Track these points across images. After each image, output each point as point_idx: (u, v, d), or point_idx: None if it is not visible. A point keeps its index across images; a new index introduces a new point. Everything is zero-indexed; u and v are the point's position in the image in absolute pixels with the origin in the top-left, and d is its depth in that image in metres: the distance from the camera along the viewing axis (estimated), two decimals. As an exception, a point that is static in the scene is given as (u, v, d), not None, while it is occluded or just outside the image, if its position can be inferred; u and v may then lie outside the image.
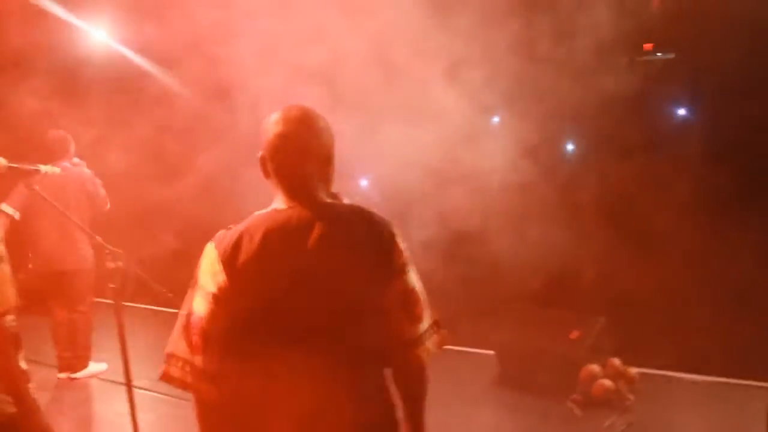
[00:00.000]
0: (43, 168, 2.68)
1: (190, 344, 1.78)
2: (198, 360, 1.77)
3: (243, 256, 1.74)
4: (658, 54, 9.23)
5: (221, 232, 1.82)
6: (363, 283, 1.79)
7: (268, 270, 1.74)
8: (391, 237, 1.84)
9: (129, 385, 3.18)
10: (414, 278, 1.87)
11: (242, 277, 1.73)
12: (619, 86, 4.90)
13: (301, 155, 1.82)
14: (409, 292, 1.86)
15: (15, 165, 2.56)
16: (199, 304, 1.77)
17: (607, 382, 4.67)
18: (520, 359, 5.11)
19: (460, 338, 5.70)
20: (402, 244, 1.86)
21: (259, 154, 1.86)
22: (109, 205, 5.49)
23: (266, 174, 1.88)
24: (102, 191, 5.45)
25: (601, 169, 5.59)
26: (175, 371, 1.80)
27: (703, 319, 5.07)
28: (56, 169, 2.75)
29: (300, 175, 1.83)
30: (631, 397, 4.65)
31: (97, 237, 2.88)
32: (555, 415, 4.60)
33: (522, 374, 5.03)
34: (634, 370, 4.85)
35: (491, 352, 5.40)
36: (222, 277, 1.74)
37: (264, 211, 1.83)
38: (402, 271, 1.84)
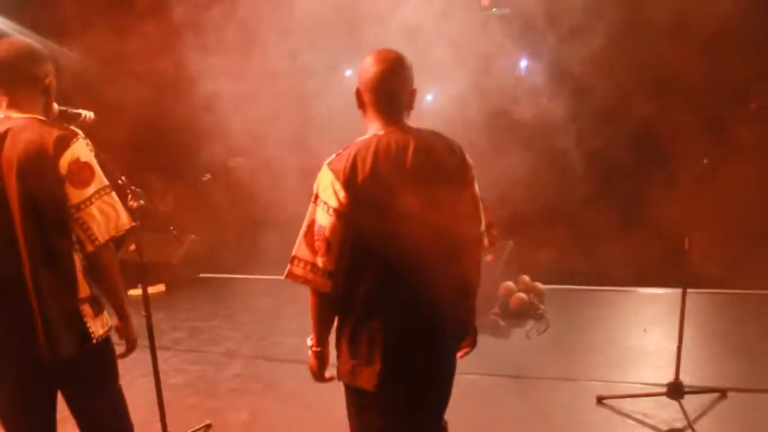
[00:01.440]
0: (83, 112, 2.80)
1: (311, 248, 2.19)
2: (319, 261, 2.19)
3: (360, 175, 2.14)
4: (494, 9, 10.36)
5: (333, 156, 2.21)
6: (448, 192, 2.26)
7: (380, 186, 2.15)
8: (462, 153, 2.33)
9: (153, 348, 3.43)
10: (477, 187, 2.36)
11: (360, 193, 2.14)
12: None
13: (397, 89, 2.25)
14: (476, 198, 2.37)
15: (65, 109, 2.70)
16: (321, 216, 2.17)
17: (522, 295, 5.38)
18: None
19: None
20: (469, 160, 2.33)
21: (356, 88, 2.28)
22: None
23: (361, 105, 2.31)
24: None
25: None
26: (297, 270, 2.24)
27: (594, 238, 5.91)
28: (91, 114, 2.85)
29: (395, 105, 2.26)
30: (542, 307, 5.38)
31: (121, 177, 3.00)
32: (481, 328, 5.20)
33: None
34: (541, 285, 5.60)
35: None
36: (342, 194, 2.14)
37: (365, 136, 2.24)
38: (472, 180, 2.34)
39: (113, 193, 2.44)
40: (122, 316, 2.60)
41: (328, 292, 2.22)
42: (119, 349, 2.64)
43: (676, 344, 3.67)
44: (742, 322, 5.08)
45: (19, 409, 2.52)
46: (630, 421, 3.71)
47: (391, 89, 2.25)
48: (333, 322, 2.36)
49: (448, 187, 2.27)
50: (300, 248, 2.24)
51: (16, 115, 2.38)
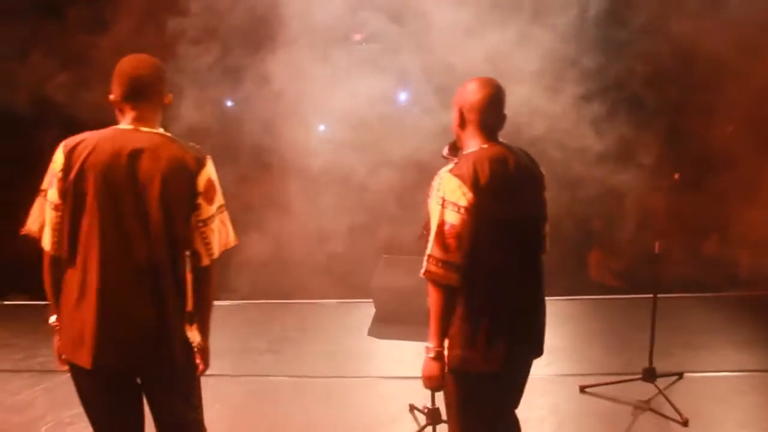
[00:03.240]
0: None
1: (442, 247, 2.51)
2: (449, 257, 2.50)
3: (482, 179, 2.51)
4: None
5: (451, 166, 2.58)
6: (539, 195, 2.73)
7: (498, 188, 2.53)
8: (537, 163, 2.78)
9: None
10: None
11: (484, 194, 2.50)
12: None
13: (499, 112, 2.68)
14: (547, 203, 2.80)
15: None
16: (450, 216, 2.51)
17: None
18: (398, 301, 6.02)
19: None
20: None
21: (457, 108, 2.68)
22: None
23: (461, 123, 2.68)
24: None
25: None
26: (432, 267, 2.54)
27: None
28: None
29: (495, 125, 2.68)
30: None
31: None
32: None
33: (399, 314, 5.96)
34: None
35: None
36: (470, 195, 2.49)
37: (472, 149, 2.63)
38: (545, 187, 2.78)
39: (226, 211, 2.63)
40: (207, 334, 2.69)
41: (455, 285, 2.52)
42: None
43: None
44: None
45: (115, 408, 2.61)
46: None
47: (494, 112, 2.67)
48: (453, 317, 2.59)
49: (538, 192, 2.72)
50: (433, 248, 2.54)
51: (144, 129, 2.52)
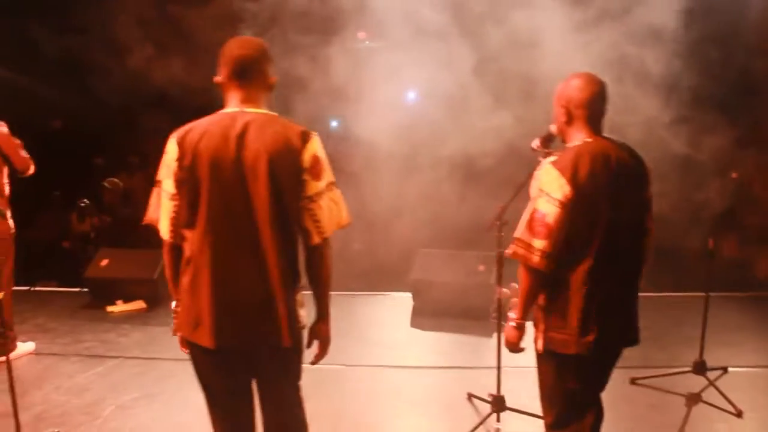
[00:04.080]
0: None
1: (531, 232, 2.64)
2: (536, 243, 2.63)
3: (581, 173, 2.61)
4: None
5: (554, 158, 2.68)
6: (640, 190, 2.82)
7: (596, 182, 2.63)
8: (642, 158, 2.86)
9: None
10: None
11: (581, 188, 2.60)
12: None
13: (603, 107, 2.78)
14: (652, 198, 2.89)
15: None
16: (543, 206, 2.62)
17: (517, 300, 5.95)
18: (437, 294, 6.14)
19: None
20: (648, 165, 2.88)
21: (563, 104, 2.77)
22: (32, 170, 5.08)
23: (568, 117, 2.78)
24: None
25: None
26: (519, 250, 2.68)
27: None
28: None
29: (600, 120, 2.78)
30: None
31: None
32: (486, 330, 5.76)
33: (438, 306, 6.09)
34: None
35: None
36: (567, 188, 2.59)
37: (576, 143, 2.73)
38: (651, 182, 2.87)
39: (338, 189, 2.62)
40: (325, 315, 2.70)
41: (542, 270, 2.64)
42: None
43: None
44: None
45: (231, 388, 2.67)
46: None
47: (600, 107, 2.77)
48: (538, 298, 2.76)
49: (640, 186, 2.82)
50: (522, 232, 2.67)
51: (250, 109, 2.54)
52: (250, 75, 2.56)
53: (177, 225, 2.54)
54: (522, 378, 3.81)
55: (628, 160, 2.76)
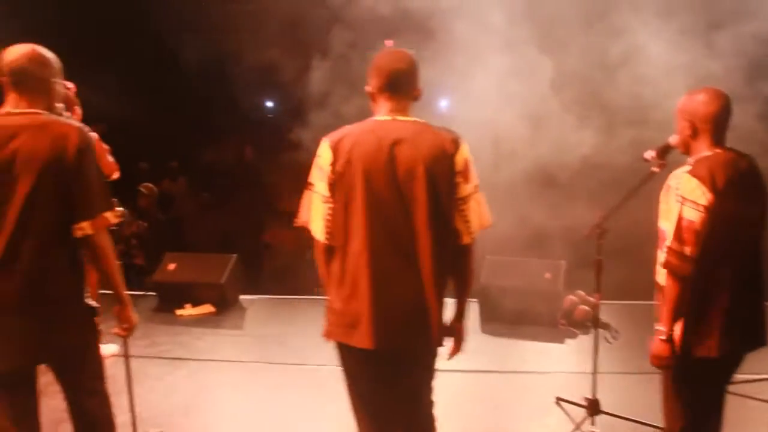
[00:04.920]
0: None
1: (680, 240, 2.71)
2: (685, 249, 2.72)
3: (719, 181, 2.69)
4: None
5: (689, 168, 2.75)
6: (763, 203, 2.85)
7: (732, 190, 2.70)
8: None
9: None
10: None
11: (721, 195, 2.68)
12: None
13: (727, 121, 2.83)
14: None
15: None
16: (689, 213, 2.70)
17: (585, 307, 6.04)
18: (505, 300, 6.21)
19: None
20: None
21: (687, 118, 2.83)
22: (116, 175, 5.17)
23: (692, 131, 2.83)
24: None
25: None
26: (671, 259, 2.75)
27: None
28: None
29: (723, 133, 2.84)
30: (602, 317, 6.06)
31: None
32: (556, 336, 5.82)
33: (507, 313, 6.16)
34: (592, 299, 6.27)
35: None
36: (709, 195, 2.67)
37: (707, 153, 2.80)
38: None
39: (482, 193, 2.71)
40: (462, 314, 2.82)
41: (689, 276, 2.72)
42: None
43: None
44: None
45: (381, 388, 2.75)
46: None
47: (725, 121, 2.84)
48: (685, 306, 2.78)
49: (763, 194, 2.90)
50: (672, 241, 2.73)
51: (401, 118, 2.66)
52: (401, 87, 2.68)
53: (332, 227, 2.63)
54: (605, 382, 3.92)
55: (753, 170, 2.85)
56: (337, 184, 2.58)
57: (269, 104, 14.67)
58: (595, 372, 4.14)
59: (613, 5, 5.49)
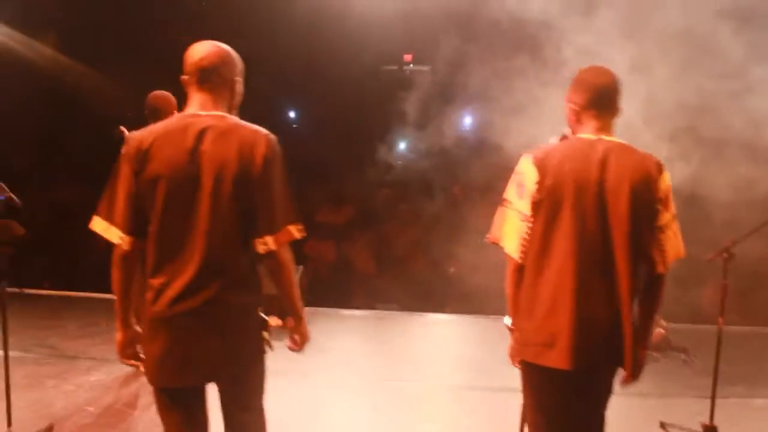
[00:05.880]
0: None
1: None
2: None
3: None
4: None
5: None
6: None
7: None
8: None
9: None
10: None
11: None
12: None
13: None
14: None
15: None
16: None
17: (662, 330, 6.05)
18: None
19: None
20: None
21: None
22: None
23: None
24: None
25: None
26: None
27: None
28: None
29: None
30: (673, 341, 6.10)
31: None
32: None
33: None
34: (664, 323, 6.31)
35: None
36: None
37: None
38: None
39: (677, 222, 2.65)
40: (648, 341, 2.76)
41: None
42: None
43: None
44: None
45: (568, 408, 2.72)
46: None
47: None
48: None
49: None
50: None
51: (606, 137, 2.63)
52: (609, 104, 2.67)
53: (527, 245, 2.61)
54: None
55: None
56: (543, 201, 2.57)
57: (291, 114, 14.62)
58: (713, 397, 4.12)
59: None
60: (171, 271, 2.45)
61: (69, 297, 7.36)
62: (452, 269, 9.20)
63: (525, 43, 6.11)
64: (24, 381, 3.88)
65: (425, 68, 11.63)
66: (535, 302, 2.61)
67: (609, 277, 2.55)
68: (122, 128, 5.20)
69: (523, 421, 2.86)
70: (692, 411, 4.35)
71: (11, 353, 4.99)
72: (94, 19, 9.25)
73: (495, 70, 6.59)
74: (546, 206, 2.57)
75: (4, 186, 3.46)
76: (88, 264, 7.98)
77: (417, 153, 11.21)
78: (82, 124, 9.76)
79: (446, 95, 9.34)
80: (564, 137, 3.04)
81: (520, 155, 2.69)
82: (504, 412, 4.36)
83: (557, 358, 2.57)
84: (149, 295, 2.48)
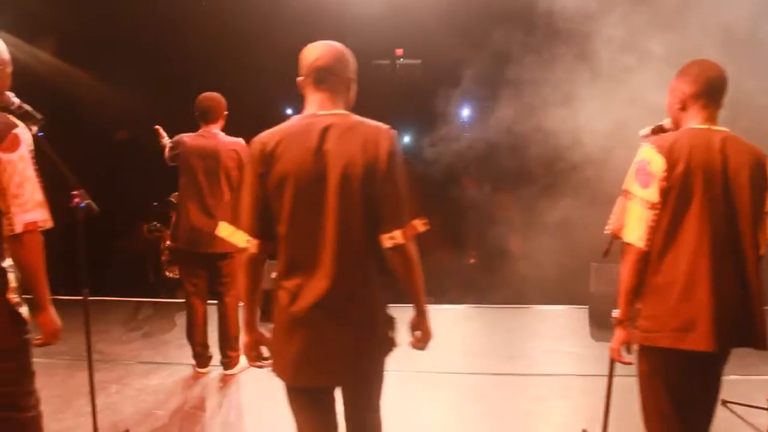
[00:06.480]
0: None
1: None
2: None
3: None
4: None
5: None
6: None
7: None
8: None
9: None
10: None
11: None
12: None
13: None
14: None
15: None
16: None
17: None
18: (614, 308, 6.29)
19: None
20: None
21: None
22: None
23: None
24: None
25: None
26: None
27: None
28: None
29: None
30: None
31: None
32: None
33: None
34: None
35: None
36: None
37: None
38: None
39: None
40: None
41: None
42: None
43: None
44: None
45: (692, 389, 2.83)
46: None
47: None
48: None
49: None
50: None
51: (716, 128, 2.77)
52: (718, 95, 2.80)
53: (653, 233, 2.69)
54: None
55: None
56: (672, 189, 2.66)
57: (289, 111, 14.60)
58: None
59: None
60: (305, 271, 2.45)
61: (104, 301, 7.27)
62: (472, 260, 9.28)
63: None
64: (86, 387, 3.84)
65: (416, 62, 11.74)
66: (667, 288, 2.68)
67: (738, 262, 2.67)
68: (158, 127, 5.19)
69: (646, 411, 2.90)
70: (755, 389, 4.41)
71: (66, 360, 5.03)
72: (94, 19, 9.14)
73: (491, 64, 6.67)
74: (675, 193, 2.66)
75: (84, 192, 3.45)
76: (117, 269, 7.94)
77: (420, 146, 11.23)
78: (82, 129, 9.65)
79: (445, 88, 9.34)
80: (660, 128, 3.12)
81: (642, 145, 2.76)
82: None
83: (699, 341, 2.62)
84: (284, 297, 2.49)
